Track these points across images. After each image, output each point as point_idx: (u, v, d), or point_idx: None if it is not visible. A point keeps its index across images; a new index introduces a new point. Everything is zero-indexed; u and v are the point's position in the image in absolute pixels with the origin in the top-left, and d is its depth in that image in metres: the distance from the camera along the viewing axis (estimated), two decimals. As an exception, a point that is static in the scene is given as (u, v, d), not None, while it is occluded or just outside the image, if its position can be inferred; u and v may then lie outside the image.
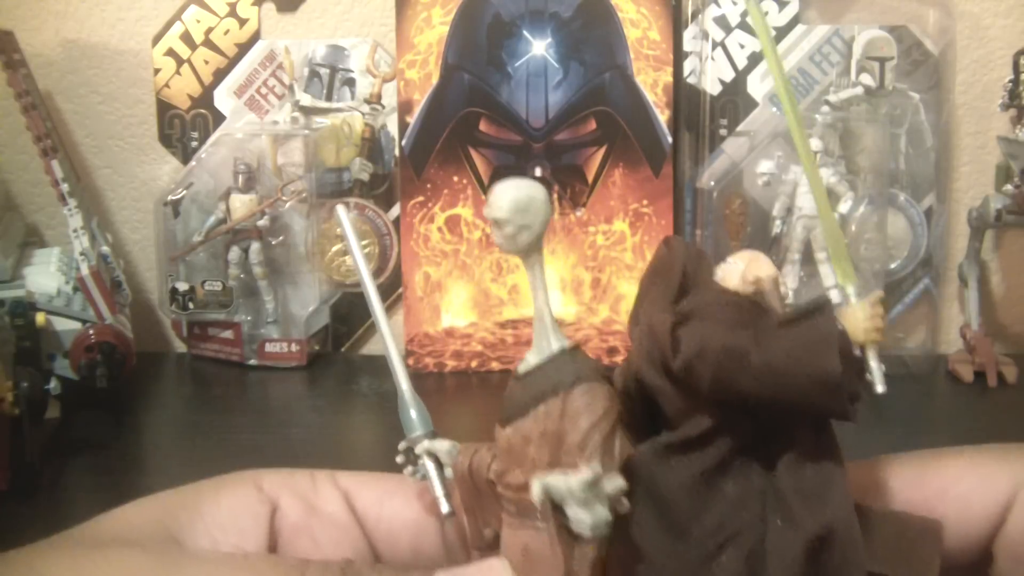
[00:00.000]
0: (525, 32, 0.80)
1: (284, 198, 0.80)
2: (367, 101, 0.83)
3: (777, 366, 0.25)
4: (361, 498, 0.33)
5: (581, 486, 0.23)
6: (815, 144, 0.77)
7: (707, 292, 0.28)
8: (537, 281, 0.27)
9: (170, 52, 0.83)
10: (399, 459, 0.31)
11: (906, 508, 0.29)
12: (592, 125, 0.80)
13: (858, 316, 0.28)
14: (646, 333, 0.27)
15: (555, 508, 0.24)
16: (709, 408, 0.27)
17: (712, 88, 0.80)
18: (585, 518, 0.23)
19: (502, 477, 0.27)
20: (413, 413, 0.31)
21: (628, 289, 0.81)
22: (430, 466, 0.31)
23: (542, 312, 0.27)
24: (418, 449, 0.31)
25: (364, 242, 0.84)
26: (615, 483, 0.24)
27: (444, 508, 0.30)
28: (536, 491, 0.24)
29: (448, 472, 0.30)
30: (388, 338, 0.33)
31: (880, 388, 0.28)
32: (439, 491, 0.30)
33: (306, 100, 0.83)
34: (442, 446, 0.30)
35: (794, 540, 0.26)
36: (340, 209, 0.33)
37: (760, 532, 0.26)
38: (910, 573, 0.28)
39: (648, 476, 0.27)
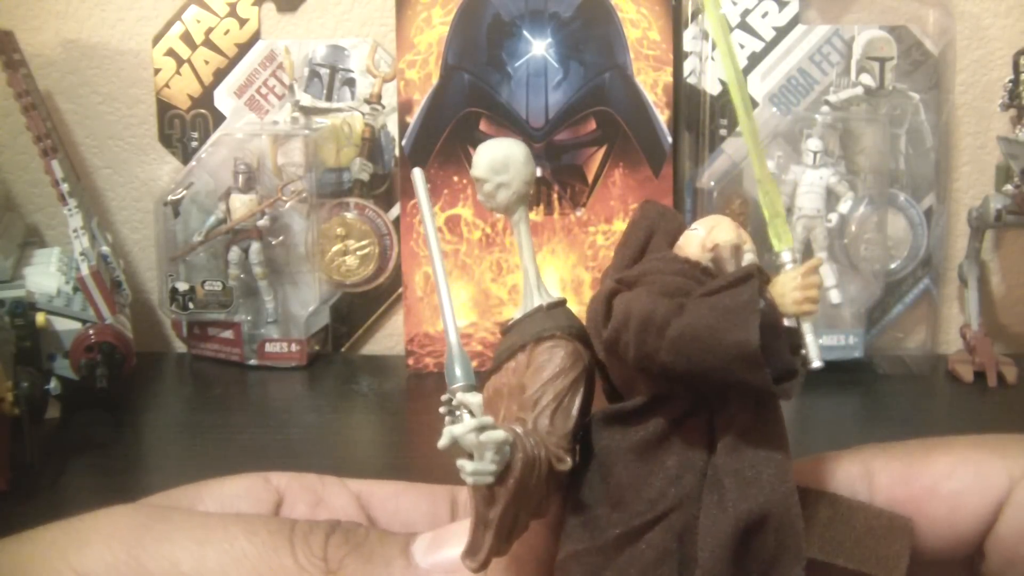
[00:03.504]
0: (525, 32, 0.80)
1: (284, 198, 0.80)
2: (367, 101, 0.83)
3: (693, 335, 0.24)
4: (374, 496, 0.33)
5: (463, 431, 0.24)
6: (815, 144, 0.77)
7: (659, 258, 0.27)
8: (523, 239, 0.28)
9: (170, 52, 0.83)
10: (442, 410, 0.30)
11: (891, 505, 0.28)
12: (592, 125, 0.80)
13: (787, 285, 0.25)
14: (591, 301, 0.27)
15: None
16: (644, 380, 0.26)
17: (712, 88, 0.80)
18: (465, 464, 0.24)
19: None
20: (456, 366, 0.31)
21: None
22: (465, 416, 0.30)
23: (527, 270, 0.28)
24: (454, 400, 0.30)
25: (364, 242, 0.84)
26: (493, 435, 0.24)
27: None
28: (442, 440, 0.24)
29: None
30: (445, 293, 0.32)
31: (816, 363, 0.26)
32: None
33: (306, 100, 0.83)
34: (475, 399, 0.29)
35: (724, 521, 0.25)
36: (417, 172, 0.32)
37: (695, 510, 0.25)
38: (878, 568, 0.27)
39: (598, 442, 0.27)
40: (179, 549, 0.28)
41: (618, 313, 0.25)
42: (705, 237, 0.26)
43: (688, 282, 0.26)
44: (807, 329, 0.26)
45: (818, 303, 0.25)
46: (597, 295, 0.27)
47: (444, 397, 0.29)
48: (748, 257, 0.26)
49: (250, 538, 0.29)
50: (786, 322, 0.25)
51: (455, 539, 0.28)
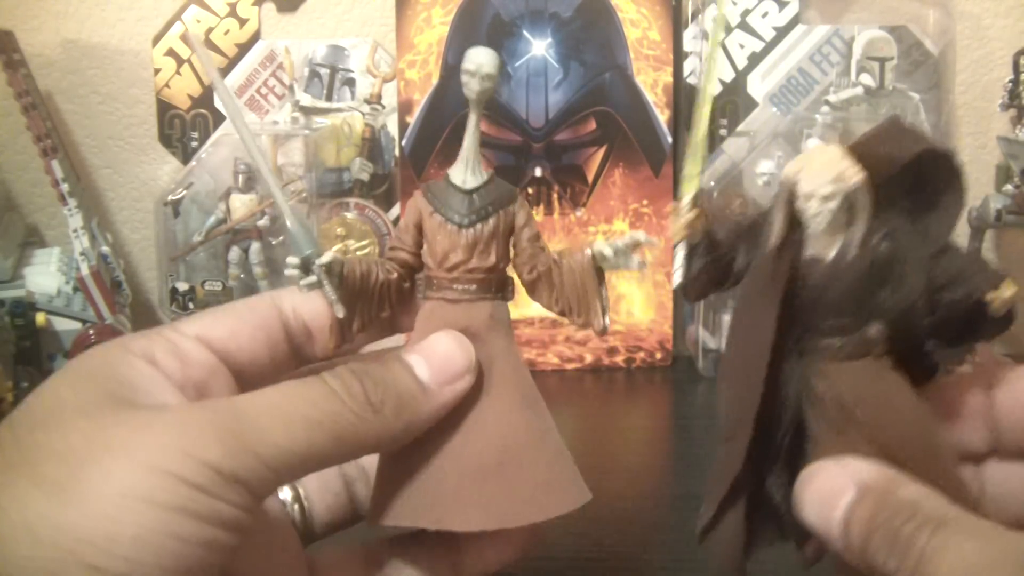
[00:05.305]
0: (525, 32, 0.80)
1: (284, 198, 0.80)
2: (367, 101, 0.83)
3: None
4: (215, 339, 0.36)
5: (630, 242, 0.38)
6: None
7: None
8: (474, 122, 0.37)
9: (170, 52, 0.83)
10: (291, 272, 0.37)
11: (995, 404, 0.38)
12: (592, 125, 0.80)
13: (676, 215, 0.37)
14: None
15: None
16: None
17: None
18: (631, 262, 0.38)
19: (462, 264, 0.37)
20: (303, 236, 0.37)
21: (628, 289, 0.81)
22: (324, 278, 0.37)
23: (477, 145, 0.37)
24: (316, 263, 0.36)
25: (364, 242, 0.84)
26: (638, 235, 0.38)
27: (340, 312, 0.37)
28: (603, 250, 0.37)
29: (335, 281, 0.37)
30: (271, 178, 0.41)
31: (675, 281, 0.35)
32: (333, 297, 0.37)
33: (306, 100, 0.83)
34: (326, 257, 0.36)
35: None
36: (192, 36, 0.37)
37: None
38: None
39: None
40: (269, 434, 0.30)
41: None
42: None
43: None
44: (678, 251, 0.37)
45: (680, 234, 0.36)
46: None
47: (293, 261, 0.37)
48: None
49: (308, 406, 0.31)
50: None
51: (440, 356, 0.35)
